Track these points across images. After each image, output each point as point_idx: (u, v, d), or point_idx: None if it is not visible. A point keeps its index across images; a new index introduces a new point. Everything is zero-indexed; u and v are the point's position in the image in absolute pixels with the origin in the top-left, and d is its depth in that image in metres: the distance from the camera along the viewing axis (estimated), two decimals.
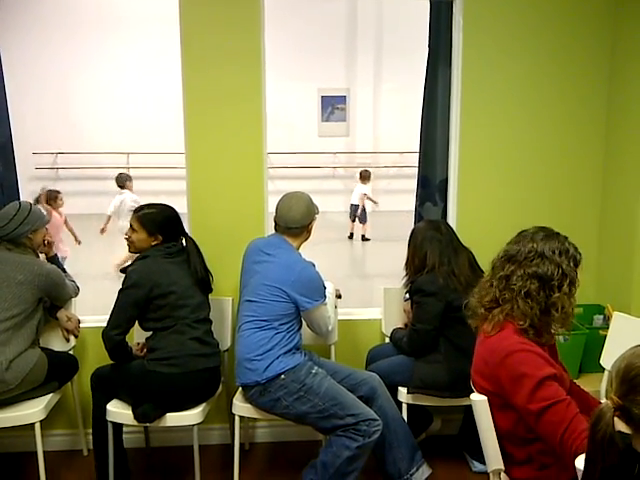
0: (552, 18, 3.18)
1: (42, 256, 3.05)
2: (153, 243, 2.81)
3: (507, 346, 1.96)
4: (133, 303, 2.70)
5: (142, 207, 2.91)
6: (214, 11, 3.06)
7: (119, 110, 11.35)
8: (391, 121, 11.64)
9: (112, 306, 2.72)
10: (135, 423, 2.67)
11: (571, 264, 2.01)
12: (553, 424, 1.86)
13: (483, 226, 3.24)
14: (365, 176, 9.94)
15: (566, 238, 2.08)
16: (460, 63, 3.20)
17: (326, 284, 2.91)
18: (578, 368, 3.02)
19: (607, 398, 1.50)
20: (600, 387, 2.77)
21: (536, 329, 2.00)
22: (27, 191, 10.15)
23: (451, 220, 3.32)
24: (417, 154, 3.47)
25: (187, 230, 3.02)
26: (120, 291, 2.73)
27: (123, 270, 2.78)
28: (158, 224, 2.81)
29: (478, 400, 2.02)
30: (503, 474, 2.10)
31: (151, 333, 2.80)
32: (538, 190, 3.31)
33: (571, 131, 3.27)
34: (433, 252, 2.90)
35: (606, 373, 2.77)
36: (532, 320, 1.99)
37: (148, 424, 2.69)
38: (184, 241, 2.91)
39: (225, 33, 3.07)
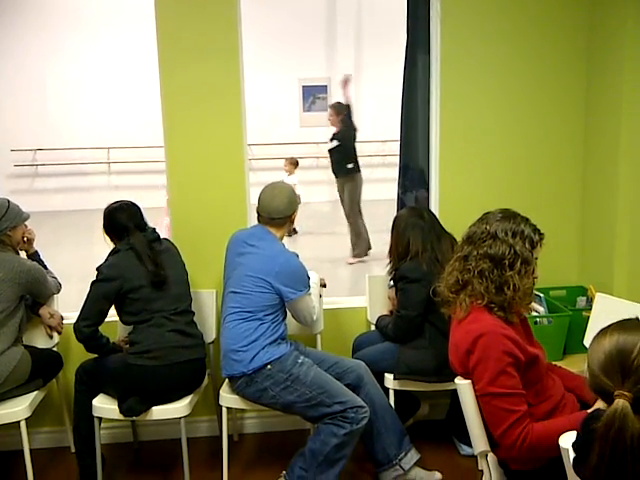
0: (529, 3, 3.18)
1: (22, 253, 3.02)
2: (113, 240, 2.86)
3: (479, 328, 2.00)
4: (102, 296, 2.71)
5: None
6: (190, 1, 3.03)
7: (98, 105, 11.22)
8: (373, 110, 11.63)
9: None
10: (122, 417, 2.66)
11: (526, 244, 2.05)
12: (503, 412, 1.92)
13: (465, 212, 3.21)
14: (292, 163, 8.92)
15: (525, 219, 2.12)
16: (439, 50, 3.19)
17: (310, 274, 2.91)
18: (562, 350, 3.05)
19: (612, 397, 1.47)
20: (584, 367, 2.79)
21: (499, 307, 2.03)
22: (6, 189, 10.03)
23: (433, 206, 3.33)
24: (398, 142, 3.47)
25: (168, 223, 3.00)
26: (91, 284, 2.74)
27: (98, 267, 2.78)
28: (105, 224, 2.88)
29: (462, 384, 2.04)
30: (490, 455, 2.12)
31: (132, 328, 2.80)
32: (520, 174, 3.32)
33: (551, 114, 3.28)
34: (416, 239, 2.91)
35: None
36: (489, 298, 2.03)
37: (134, 418, 2.69)
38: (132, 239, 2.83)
39: (201, 23, 3.04)
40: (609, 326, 1.60)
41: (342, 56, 11.64)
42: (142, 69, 9.62)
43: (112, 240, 2.88)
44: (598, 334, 1.61)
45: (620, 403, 1.45)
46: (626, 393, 1.45)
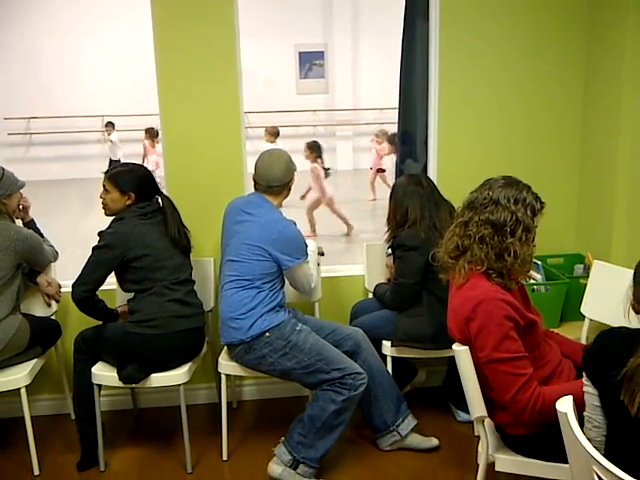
0: None
1: (19, 222, 3.00)
2: (127, 203, 2.77)
3: (478, 294, 2.00)
4: (104, 263, 2.69)
5: (113, 167, 2.90)
6: None
7: (93, 72, 11.10)
8: (371, 77, 11.51)
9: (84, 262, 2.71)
10: (121, 385, 2.68)
11: (528, 212, 2.05)
12: (511, 376, 1.93)
13: (464, 179, 3.19)
14: (272, 133, 8.28)
15: (527, 187, 2.11)
16: (437, 16, 3.14)
17: (308, 242, 2.90)
18: (559, 317, 3.07)
19: None
20: (581, 334, 2.81)
21: (497, 273, 2.03)
22: (1, 157, 9.95)
23: (432, 174, 3.31)
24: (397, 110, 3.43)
25: (164, 191, 2.98)
26: (93, 249, 2.71)
27: (100, 233, 2.75)
28: (130, 182, 2.77)
29: (460, 350, 2.05)
30: (487, 420, 2.14)
31: (132, 295, 2.79)
32: (519, 142, 3.29)
33: (550, 81, 3.25)
34: (414, 207, 2.90)
35: (586, 321, 2.81)
36: (489, 265, 2.03)
37: (133, 385, 2.70)
38: (160, 200, 2.88)
39: None
40: None
41: (339, 21, 11.49)
42: (137, 35, 9.46)
43: (134, 201, 2.76)
44: None
45: None
46: None
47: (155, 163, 9.48)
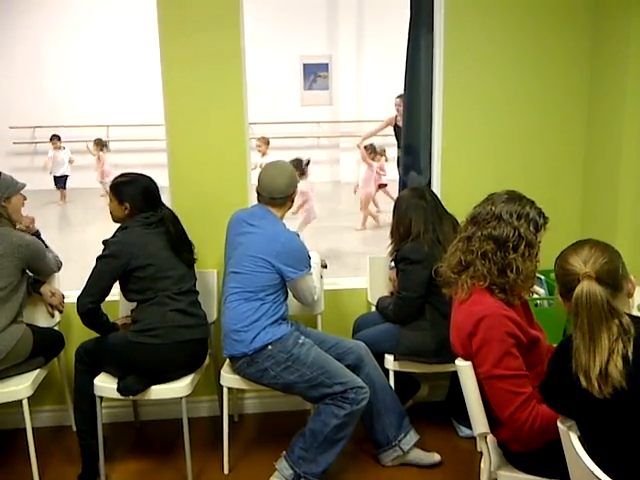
0: None
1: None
2: (126, 212, 2.79)
3: (481, 310, 1.99)
4: (108, 272, 2.69)
5: (117, 176, 2.90)
6: None
7: (97, 82, 11.14)
8: (375, 88, 11.53)
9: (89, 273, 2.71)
10: (121, 397, 2.67)
11: (530, 227, 2.05)
12: (510, 394, 1.93)
13: (468, 193, 3.19)
14: (265, 142, 8.28)
15: (531, 202, 2.11)
16: (442, 28, 3.14)
17: (311, 254, 2.90)
18: (562, 332, 3.05)
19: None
20: None
21: (500, 289, 2.02)
22: (6, 167, 10.01)
23: (435, 187, 3.31)
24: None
25: (169, 202, 2.99)
26: (97, 259, 2.71)
27: (104, 241, 2.75)
28: (126, 193, 2.80)
29: (462, 365, 2.04)
30: (490, 436, 2.13)
31: (135, 305, 2.79)
32: (523, 157, 3.29)
33: (556, 95, 3.24)
34: (418, 220, 2.90)
35: None
36: (492, 280, 2.02)
37: (132, 397, 2.69)
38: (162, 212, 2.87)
39: (202, 0, 2.99)
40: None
41: (343, 33, 11.52)
42: (142, 45, 9.50)
43: (130, 212, 2.78)
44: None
45: (585, 281, 1.65)
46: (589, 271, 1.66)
47: (102, 173, 9.80)
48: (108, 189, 2.83)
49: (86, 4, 10.67)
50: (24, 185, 2.93)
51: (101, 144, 10.31)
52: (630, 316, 1.66)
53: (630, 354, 1.56)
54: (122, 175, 2.89)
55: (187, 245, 2.87)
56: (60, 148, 10.37)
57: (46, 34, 10.90)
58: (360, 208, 7.99)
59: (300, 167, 6.91)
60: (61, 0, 10.67)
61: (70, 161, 10.39)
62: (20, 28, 10.80)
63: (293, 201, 2.90)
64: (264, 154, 8.08)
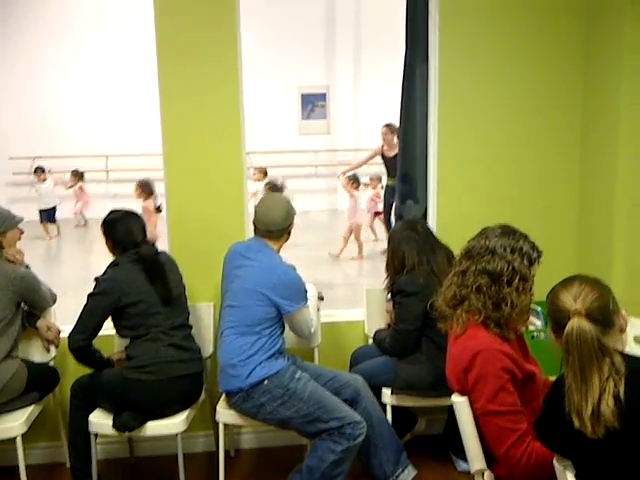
0: (529, 8, 3.16)
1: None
2: (111, 248, 2.82)
3: (476, 345, 1.99)
4: (99, 310, 2.69)
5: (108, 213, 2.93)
6: (189, 9, 3.02)
7: (96, 112, 11.23)
8: (372, 117, 11.62)
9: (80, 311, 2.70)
10: (116, 433, 2.64)
11: (524, 261, 2.06)
12: (505, 430, 1.91)
13: (465, 221, 3.22)
14: (262, 171, 8.29)
15: (524, 236, 2.12)
16: (437, 58, 3.18)
17: (307, 286, 2.90)
18: (560, 364, 3.03)
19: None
20: None
21: (495, 323, 2.02)
22: (5, 197, 9.99)
23: (432, 216, 3.32)
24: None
25: (166, 233, 2.98)
26: (89, 296, 2.72)
27: (96, 278, 2.76)
28: (108, 229, 2.83)
29: (458, 401, 2.03)
30: (487, 473, 2.11)
31: (129, 341, 2.78)
32: (519, 185, 3.30)
33: (551, 124, 3.26)
34: (411, 252, 2.91)
35: None
36: (487, 314, 2.02)
37: (128, 433, 2.67)
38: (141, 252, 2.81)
39: (200, 31, 3.04)
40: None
41: (341, 63, 11.67)
42: (140, 76, 9.64)
43: (113, 251, 2.82)
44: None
45: (576, 318, 1.65)
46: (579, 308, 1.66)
47: (85, 204, 10.01)
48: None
49: (85, 36, 10.82)
50: (21, 219, 2.92)
51: (78, 175, 10.24)
52: (622, 354, 1.65)
53: (622, 393, 1.55)
54: (110, 212, 2.91)
55: (163, 281, 2.78)
56: (43, 181, 9.99)
57: (46, 66, 11.01)
58: (343, 236, 7.90)
59: (275, 190, 6.89)
60: (61, 31, 10.79)
61: (55, 183, 10.13)
62: (20, 61, 10.92)
63: (290, 233, 2.91)
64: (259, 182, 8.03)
